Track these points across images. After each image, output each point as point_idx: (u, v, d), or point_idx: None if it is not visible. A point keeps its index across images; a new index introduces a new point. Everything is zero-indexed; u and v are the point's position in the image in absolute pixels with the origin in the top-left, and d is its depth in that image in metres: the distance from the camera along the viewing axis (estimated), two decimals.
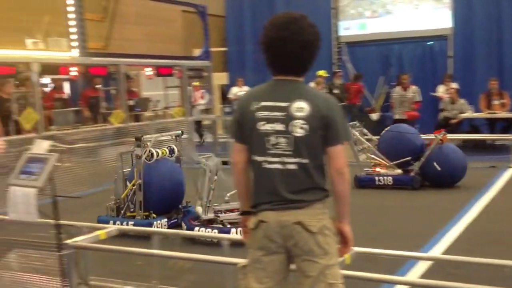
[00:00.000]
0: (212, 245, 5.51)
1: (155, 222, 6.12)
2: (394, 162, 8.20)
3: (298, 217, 2.50)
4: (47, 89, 11.81)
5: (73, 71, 9.13)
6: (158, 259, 4.26)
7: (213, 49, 13.48)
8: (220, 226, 5.83)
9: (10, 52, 8.32)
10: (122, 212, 6.40)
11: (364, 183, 8.18)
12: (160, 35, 17.30)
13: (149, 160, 6.30)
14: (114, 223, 5.81)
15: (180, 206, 6.65)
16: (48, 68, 8.90)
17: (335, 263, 2.57)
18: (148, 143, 6.34)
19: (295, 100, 2.52)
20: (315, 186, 2.55)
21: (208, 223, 5.89)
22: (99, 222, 5.96)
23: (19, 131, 8.46)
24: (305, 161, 2.51)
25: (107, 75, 10.27)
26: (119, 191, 6.52)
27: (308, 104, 2.50)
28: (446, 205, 7.14)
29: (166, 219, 6.29)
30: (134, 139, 6.42)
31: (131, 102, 10.97)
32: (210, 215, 5.93)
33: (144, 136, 6.40)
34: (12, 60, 8.09)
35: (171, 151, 6.56)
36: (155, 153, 6.31)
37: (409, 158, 8.08)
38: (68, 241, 3.87)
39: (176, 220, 6.48)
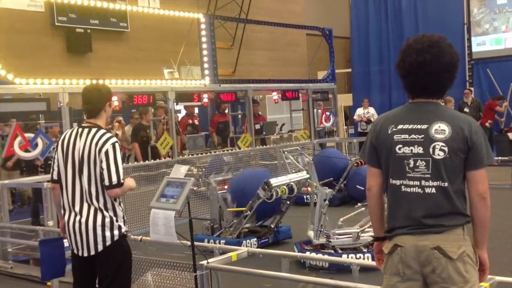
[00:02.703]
0: (322, 269, 5.51)
1: (244, 241, 6.49)
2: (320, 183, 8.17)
3: (437, 242, 2.41)
4: (180, 115, 12.54)
5: (205, 98, 9.60)
6: (286, 282, 4.31)
7: (337, 71, 13.47)
8: (332, 251, 5.80)
9: (148, 81, 8.92)
10: (219, 232, 6.86)
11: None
12: (285, 59, 17.69)
13: (269, 200, 6.48)
14: (209, 241, 6.39)
15: (271, 226, 6.88)
16: (181, 96, 9.44)
17: None
18: (273, 188, 6.46)
19: (435, 122, 2.46)
20: (455, 211, 2.45)
21: (319, 248, 5.89)
22: (196, 240, 6.21)
23: (155, 155, 9.04)
24: (444, 184, 2.43)
25: (235, 100, 10.65)
26: (214, 211, 6.88)
27: (449, 126, 2.44)
28: None
29: (255, 239, 6.66)
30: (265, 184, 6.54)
31: (258, 126, 11.26)
32: (322, 240, 5.91)
33: (273, 181, 6.50)
34: (151, 90, 8.68)
35: (291, 190, 6.61)
36: (274, 194, 6.44)
37: (331, 178, 8.81)
38: (203, 262, 4.02)
39: (267, 239, 6.79)
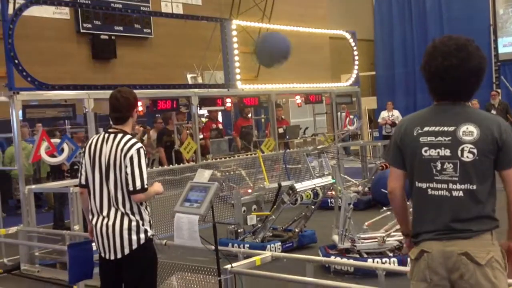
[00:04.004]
0: (347, 274, 5.48)
1: (268, 246, 6.47)
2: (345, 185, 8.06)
3: (465, 247, 2.36)
4: (204, 120, 12.61)
5: (228, 103, 9.61)
6: (311, 287, 4.27)
7: (361, 74, 13.38)
8: (357, 256, 5.75)
9: (172, 87, 8.98)
10: (243, 236, 6.86)
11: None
12: (308, 62, 17.64)
13: (294, 204, 6.60)
14: (233, 245, 6.44)
15: (296, 230, 6.87)
16: (205, 100, 9.48)
17: None
18: (297, 193, 6.54)
19: (462, 123, 2.41)
20: (484, 215, 2.40)
21: (344, 253, 5.84)
22: (220, 244, 6.24)
23: (178, 160, 9.09)
24: (473, 187, 2.38)
25: (258, 104, 10.64)
26: (238, 216, 6.91)
27: (477, 128, 2.38)
28: None
29: (280, 243, 6.65)
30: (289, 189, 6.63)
31: (281, 130, 11.23)
32: (347, 244, 5.87)
33: (297, 186, 6.61)
34: (174, 95, 8.72)
35: (315, 194, 6.63)
36: (299, 199, 6.53)
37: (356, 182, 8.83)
38: (227, 267, 4.01)
39: (291, 244, 6.77)
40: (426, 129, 2.47)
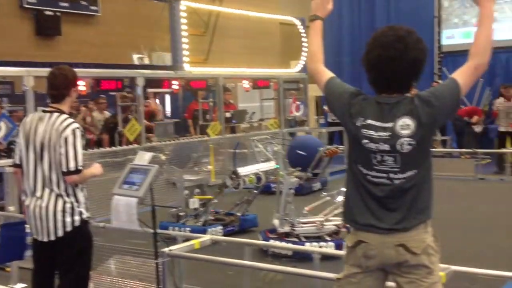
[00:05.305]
0: (285, 258, 5.56)
1: (209, 229, 6.51)
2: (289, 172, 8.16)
3: (401, 239, 2.42)
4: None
5: (175, 85, 9.51)
6: (249, 270, 4.33)
7: None
8: (296, 239, 5.86)
9: (117, 67, 8.82)
10: (184, 220, 6.85)
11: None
12: (258, 47, 17.61)
13: (236, 189, 6.67)
14: (174, 229, 6.36)
15: (238, 214, 6.95)
16: (151, 82, 9.36)
17: (438, 280, 2.48)
18: (240, 178, 6.58)
19: (399, 117, 2.41)
20: (420, 204, 2.45)
21: (284, 236, 5.94)
22: (160, 227, 6.18)
23: (122, 142, 8.96)
24: (413, 173, 2.42)
25: (206, 87, 10.58)
26: (180, 199, 6.92)
27: (413, 120, 2.39)
28: None
29: (221, 227, 6.70)
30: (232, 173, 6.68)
31: (228, 114, 11.23)
32: (286, 228, 5.97)
33: (240, 170, 6.65)
34: (120, 75, 8.56)
35: (258, 179, 6.72)
36: (241, 183, 6.58)
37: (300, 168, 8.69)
38: (165, 250, 4.01)
39: (233, 228, 6.83)
40: (368, 122, 2.46)
